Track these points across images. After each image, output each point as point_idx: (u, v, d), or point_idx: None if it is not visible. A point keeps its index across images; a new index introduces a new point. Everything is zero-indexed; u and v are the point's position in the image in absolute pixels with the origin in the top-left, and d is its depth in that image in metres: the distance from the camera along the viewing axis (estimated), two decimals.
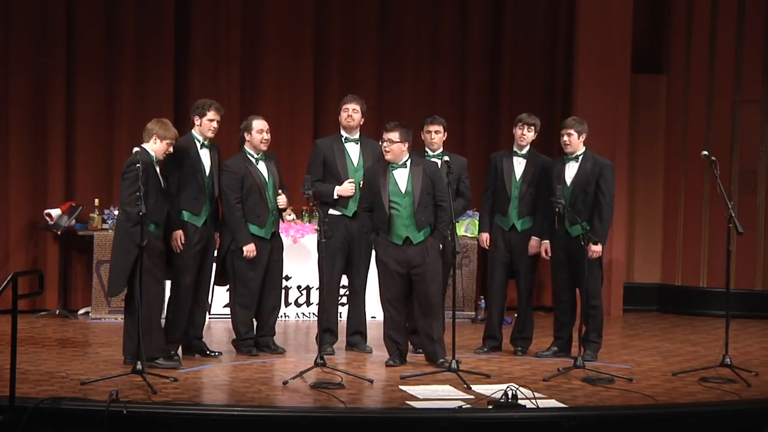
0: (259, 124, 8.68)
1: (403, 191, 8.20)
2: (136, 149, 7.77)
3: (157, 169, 7.99)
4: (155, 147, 7.96)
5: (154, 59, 11.11)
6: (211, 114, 8.41)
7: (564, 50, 11.99)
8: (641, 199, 12.11)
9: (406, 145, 8.27)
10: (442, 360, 8.15)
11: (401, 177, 8.23)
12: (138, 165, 7.62)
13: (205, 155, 8.42)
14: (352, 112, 8.91)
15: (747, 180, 11.75)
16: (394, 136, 8.21)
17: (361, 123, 8.97)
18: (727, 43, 11.76)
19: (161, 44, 11.11)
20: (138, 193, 7.53)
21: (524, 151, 8.95)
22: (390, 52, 11.79)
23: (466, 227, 11.11)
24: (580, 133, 8.72)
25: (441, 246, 8.33)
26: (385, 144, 8.26)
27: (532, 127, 8.92)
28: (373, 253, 8.53)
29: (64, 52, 10.86)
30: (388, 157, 8.24)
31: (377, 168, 8.38)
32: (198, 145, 8.38)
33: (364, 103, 9.05)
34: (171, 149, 8.05)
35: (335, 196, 8.79)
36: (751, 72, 11.75)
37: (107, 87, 11.04)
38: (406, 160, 8.27)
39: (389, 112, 11.60)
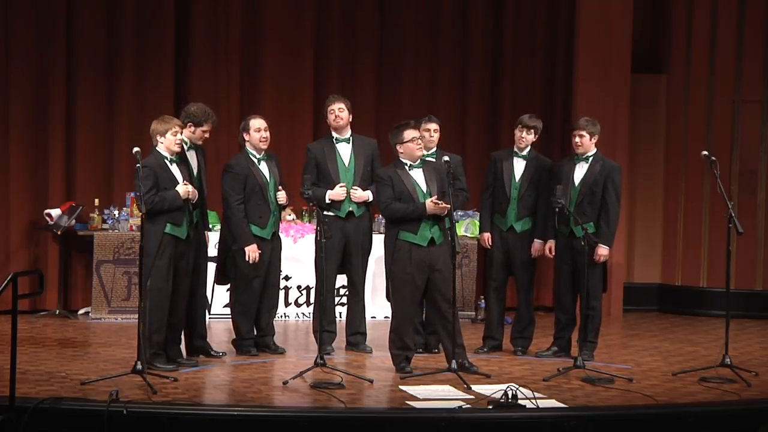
0: (256, 123, 8.64)
1: (425, 191, 8.06)
2: (136, 149, 7.72)
3: (172, 168, 7.93)
4: (165, 143, 7.91)
5: (154, 59, 11.09)
6: (207, 126, 8.39)
7: (564, 50, 11.98)
8: (641, 199, 12.09)
9: None
10: (462, 361, 7.97)
11: (419, 177, 8.08)
12: (138, 165, 7.62)
13: (192, 157, 8.36)
14: (338, 112, 8.87)
15: (747, 180, 11.74)
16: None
17: (350, 120, 8.94)
18: (727, 43, 11.74)
19: (161, 44, 11.10)
20: (138, 194, 7.56)
21: (524, 153, 8.91)
22: (390, 52, 11.78)
23: (466, 227, 11.10)
24: (592, 135, 8.66)
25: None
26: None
27: (532, 130, 8.86)
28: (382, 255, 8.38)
29: (64, 52, 10.85)
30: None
31: (393, 169, 8.11)
32: (185, 147, 8.29)
33: (348, 100, 8.99)
34: (181, 134, 7.99)
35: (327, 201, 8.77)
36: (751, 72, 11.74)
37: (107, 87, 11.04)
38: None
39: (389, 112, 11.59)
